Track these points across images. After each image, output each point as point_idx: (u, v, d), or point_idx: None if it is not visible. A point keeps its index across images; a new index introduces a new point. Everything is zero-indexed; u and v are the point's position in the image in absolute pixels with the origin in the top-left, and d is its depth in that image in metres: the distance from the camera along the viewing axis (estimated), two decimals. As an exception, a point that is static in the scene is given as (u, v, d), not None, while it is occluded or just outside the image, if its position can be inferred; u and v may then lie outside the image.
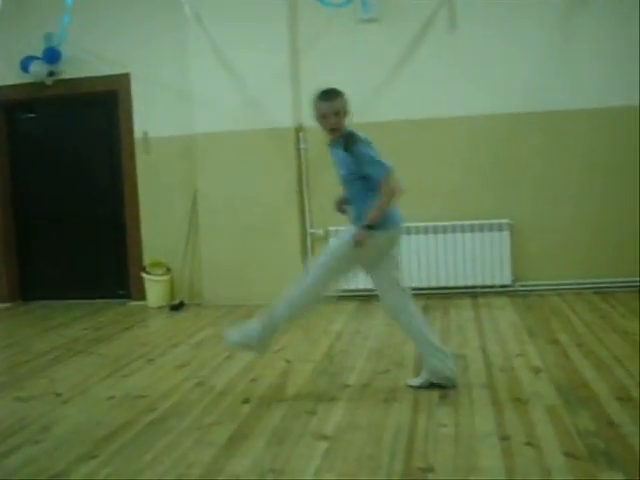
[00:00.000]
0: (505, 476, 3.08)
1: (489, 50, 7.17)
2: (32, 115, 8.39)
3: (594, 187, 7.14)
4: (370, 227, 4.18)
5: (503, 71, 7.15)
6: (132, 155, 7.93)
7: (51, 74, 7.85)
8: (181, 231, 7.81)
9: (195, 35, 7.37)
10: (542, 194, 7.22)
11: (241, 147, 7.41)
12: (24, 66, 7.76)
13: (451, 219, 7.25)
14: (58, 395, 4.70)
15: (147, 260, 7.94)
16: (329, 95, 4.35)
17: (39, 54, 7.77)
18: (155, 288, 7.79)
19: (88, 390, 4.80)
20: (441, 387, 4.33)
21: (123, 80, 7.85)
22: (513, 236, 7.19)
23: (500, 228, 7.16)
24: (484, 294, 7.20)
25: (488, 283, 7.24)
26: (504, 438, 3.49)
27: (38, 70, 7.73)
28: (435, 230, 7.24)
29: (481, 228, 7.19)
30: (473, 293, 7.24)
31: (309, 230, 7.52)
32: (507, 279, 7.21)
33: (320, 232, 7.46)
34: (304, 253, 7.48)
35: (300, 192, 7.43)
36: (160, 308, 7.68)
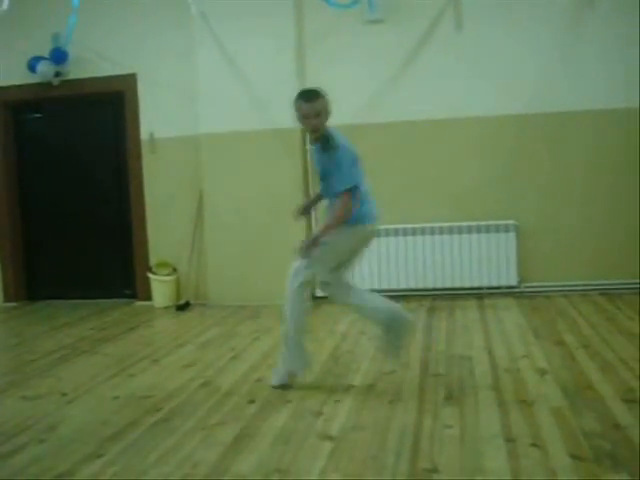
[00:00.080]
0: (510, 477, 3.07)
1: (495, 51, 7.16)
2: (39, 115, 8.41)
3: (600, 188, 7.13)
4: (316, 240, 4.32)
5: (509, 72, 7.15)
6: (138, 155, 7.94)
7: (58, 74, 7.87)
8: (187, 231, 7.82)
9: (201, 35, 7.39)
10: (548, 195, 7.21)
11: (247, 147, 7.42)
12: (31, 66, 7.78)
13: (457, 220, 7.25)
14: (64, 394, 4.71)
15: (153, 260, 7.95)
16: (310, 96, 4.40)
17: (46, 54, 7.79)
18: (161, 288, 7.80)
19: (94, 390, 4.81)
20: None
21: (129, 80, 7.86)
22: (519, 237, 7.19)
23: (506, 229, 7.16)
24: (490, 295, 7.19)
25: (494, 284, 7.23)
26: (509, 439, 3.49)
27: (45, 70, 7.75)
28: (441, 231, 7.24)
29: (487, 229, 7.18)
30: (479, 294, 7.24)
31: (315, 230, 7.52)
32: (513, 280, 7.20)
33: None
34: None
35: (306, 192, 7.43)
36: (166, 308, 7.69)
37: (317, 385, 4.59)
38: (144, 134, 7.90)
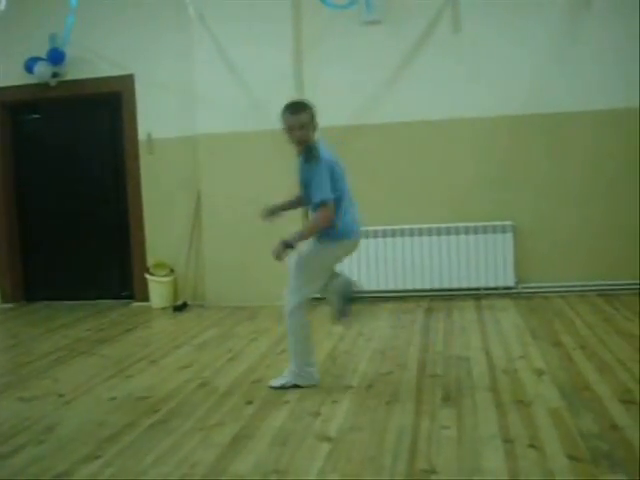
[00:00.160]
0: (508, 478, 3.07)
1: (492, 52, 7.17)
2: (36, 116, 8.41)
3: (598, 189, 7.14)
4: (291, 245, 4.34)
5: (507, 73, 7.16)
6: (136, 156, 7.94)
7: (55, 75, 7.87)
8: (184, 232, 7.82)
9: (199, 36, 7.39)
10: (545, 196, 7.22)
11: (245, 148, 7.42)
12: (28, 67, 7.78)
13: (454, 221, 7.25)
14: (61, 396, 4.71)
15: (150, 261, 7.95)
16: (296, 109, 4.41)
17: (43, 55, 7.79)
18: (158, 289, 7.80)
19: (91, 391, 4.81)
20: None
21: (127, 81, 7.86)
22: (516, 238, 7.20)
23: (503, 230, 7.17)
24: (487, 296, 7.20)
25: (491, 285, 7.24)
26: (507, 440, 3.49)
27: (42, 71, 7.75)
28: (438, 232, 7.25)
29: (484, 230, 7.19)
30: (476, 295, 7.24)
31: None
32: (510, 281, 7.21)
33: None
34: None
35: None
36: (163, 309, 7.69)
37: (315, 386, 4.59)
38: (142, 135, 7.90)
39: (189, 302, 7.76)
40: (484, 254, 7.20)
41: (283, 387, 4.55)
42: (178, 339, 6.24)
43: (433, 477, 3.14)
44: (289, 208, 4.88)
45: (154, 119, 7.84)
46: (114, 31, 7.80)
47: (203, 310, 7.50)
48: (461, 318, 6.43)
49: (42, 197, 8.43)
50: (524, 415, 3.84)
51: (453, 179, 7.32)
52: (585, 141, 7.13)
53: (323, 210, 4.33)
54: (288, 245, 4.33)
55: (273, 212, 4.82)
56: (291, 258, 4.56)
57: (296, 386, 4.55)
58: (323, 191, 4.32)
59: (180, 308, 7.57)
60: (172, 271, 7.88)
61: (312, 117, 4.42)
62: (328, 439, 3.66)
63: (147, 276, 7.83)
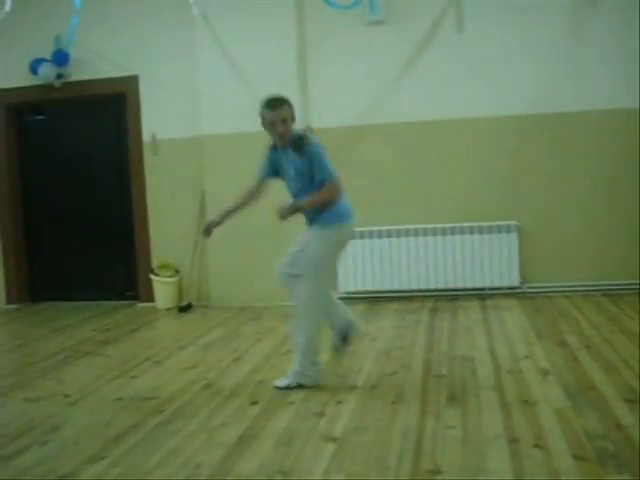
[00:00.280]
0: (513, 478, 3.07)
1: (497, 52, 7.16)
2: (41, 117, 8.42)
3: (602, 189, 7.12)
4: (299, 208, 4.43)
5: (511, 73, 7.15)
6: (140, 157, 7.95)
7: (60, 76, 7.88)
8: (189, 233, 7.82)
9: (203, 37, 7.39)
10: (550, 196, 7.21)
11: (249, 148, 7.38)
12: (33, 68, 7.79)
13: (459, 221, 7.25)
14: (66, 396, 4.72)
15: (155, 262, 7.95)
16: (275, 104, 4.48)
17: (48, 56, 7.80)
18: (163, 290, 7.80)
19: (96, 391, 4.81)
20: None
21: (131, 82, 7.87)
22: (521, 238, 7.19)
23: (508, 230, 7.16)
24: (492, 296, 7.19)
25: (496, 285, 7.23)
26: (512, 440, 3.49)
27: (47, 72, 7.76)
28: (443, 232, 7.24)
29: (489, 230, 7.18)
30: (481, 295, 7.23)
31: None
32: (515, 281, 7.20)
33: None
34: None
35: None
36: (168, 310, 7.69)
37: (320, 386, 4.59)
38: (146, 135, 7.91)
39: (194, 303, 7.76)
40: (489, 254, 7.19)
41: (288, 387, 4.55)
42: (183, 340, 6.24)
43: (438, 477, 3.14)
44: (239, 209, 4.96)
45: (158, 120, 7.84)
46: (118, 32, 7.81)
47: (208, 311, 7.50)
48: (466, 318, 6.42)
49: (47, 198, 8.44)
50: (529, 415, 3.84)
51: (457, 179, 7.31)
52: (590, 141, 7.12)
53: (331, 185, 4.37)
54: (295, 208, 4.38)
55: (218, 224, 4.97)
56: (295, 256, 4.56)
57: (300, 386, 4.55)
58: (329, 169, 4.39)
59: (185, 309, 7.57)
60: (177, 272, 7.88)
61: (292, 110, 4.49)
62: (333, 439, 3.66)
63: (152, 277, 7.84)
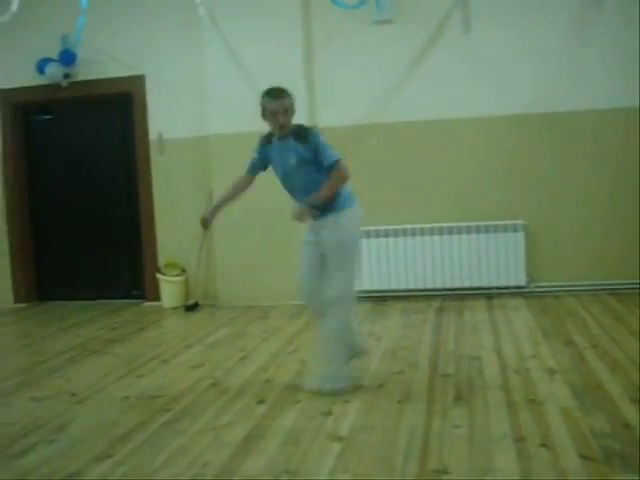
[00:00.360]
0: (520, 478, 3.07)
1: (502, 52, 7.14)
2: (48, 117, 8.43)
3: (609, 187, 7.11)
4: (315, 204, 4.36)
5: (517, 73, 7.13)
6: (147, 156, 7.96)
7: (67, 76, 7.89)
8: (196, 232, 7.81)
9: (209, 36, 7.39)
10: (557, 195, 7.20)
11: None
12: (40, 68, 7.80)
13: (466, 220, 7.24)
14: (73, 395, 4.73)
15: (162, 261, 7.96)
16: (278, 94, 4.47)
17: (55, 56, 7.81)
18: (170, 289, 7.81)
19: (103, 390, 4.83)
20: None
21: (138, 82, 7.88)
22: (528, 237, 7.17)
23: (515, 229, 7.15)
24: (499, 295, 7.18)
25: (503, 284, 7.22)
26: (519, 440, 3.49)
27: (54, 72, 7.77)
28: (450, 231, 7.23)
29: (496, 229, 7.17)
30: (488, 294, 7.22)
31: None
32: (522, 280, 7.19)
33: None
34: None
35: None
36: (175, 309, 7.70)
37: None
38: (153, 135, 7.92)
39: (200, 302, 7.77)
40: (495, 253, 7.18)
41: (320, 391, 4.42)
42: (189, 339, 6.25)
43: (445, 477, 3.14)
44: (230, 201, 4.97)
45: (165, 119, 7.85)
46: (124, 32, 7.82)
47: (214, 310, 7.51)
48: (472, 317, 6.41)
49: (54, 197, 8.46)
50: (536, 414, 3.83)
51: (464, 178, 7.30)
52: (596, 140, 7.10)
53: (338, 169, 4.36)
54: (312, 205, 4.35)
55: (214, 213, 4.92)
56: (314, 253, 4.53)
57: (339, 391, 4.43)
58: (333, 152, 4.39)
59: (191, 308, 7.58)
60: (183, 271, 7.89)
61: (292, 101, 4.50)
62: (339, 439, 3.66)
63: (158, 276, 7.85)
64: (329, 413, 4.07)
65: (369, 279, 7.30)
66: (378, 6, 7.10)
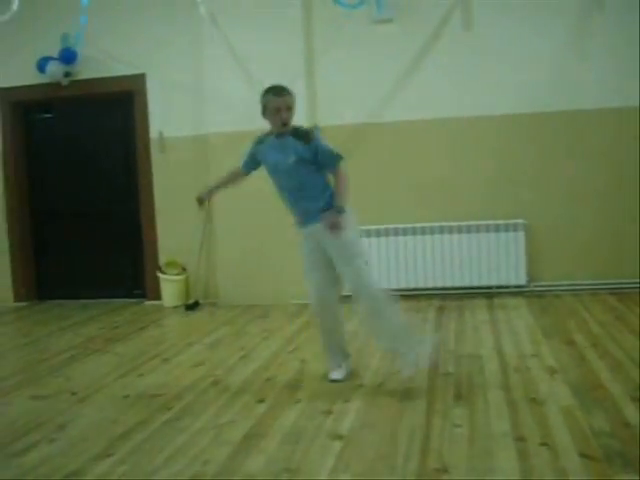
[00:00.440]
0: (520, 477, 3.07)
1: (504, 49, 7.13)
2: (48, 115, 8.43)
3: (610, 187, 7.10)
4: (340, 210, 4.36)
5: (519, 71, 7.12)
6: (148, 155, 7.96)
7: (67, 75, 7.89)
8: (196, 231, 7.82)
9: (210, 35, 7.39)
10: (557, 194, 7.19)
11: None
12: (40, 67, 7.80)
13: (466, 219, 7.23)
14: (74, 394, 4.73)
15: (162, 260, 7.96)
16: (282, 91, 4.48)
17: (55, 55, 7.81)
18: (170, 288, 7.81)
19: (104, 389, 4.83)
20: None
21: (138, 80, 7.88)
22: (528, 236, 7.17)
23: (515, 228, 7.14)
24: (499, 294, 7.18)
25: (503, 284, 7.22)
26: (519, 439, 3.49)
27: (54, 70, 7.77)
28: (450, 230, 7.23)
29: (496, 228, 7.17)
30: (488, 294, 7.22)
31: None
32: (522, 279, 7.18)
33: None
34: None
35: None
36: (175, 308, 7.70)
37: (326, 384, 4.60)
38: (153, 133, 7.91)
39: (201, 301, 7.77)
40: (496, 252, 7.17)
41: (405, 367, 4.43)
42: (190, 337, 6.25)
43: (445, 476, 3.14)
44: (225, 186, 5.13)
45: (166, 118, 7.85)
46: (125, 30, 7.81)
47: (215, 309, 7.51)
48: (473, 317, 6.41)
49: (54, 196, 8.45)
50: (536, 413, 3.83)
51: (464, 177, 7.30)
52: (598, 139, 7.09)
53: (341, 168, 4.41)
54: (340, 211, 4.34)
55: (210, 194, 5.14)
56: (319, 261, 4.55)
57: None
58: (334, 153, 4.42)
59: (192, 307, 7.58)
60: (184, 270, 7.89)
61: (294, 100, 4.49)
62: (340, 437, 3.66)
63: (159, 275, 7.85)
64: (329, 412, 4.07)
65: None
66: (378, 5, 7.10)
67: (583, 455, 3.24)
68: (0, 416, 4.41)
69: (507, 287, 7.22)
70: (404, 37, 7.28)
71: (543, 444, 3.40)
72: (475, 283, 7.25)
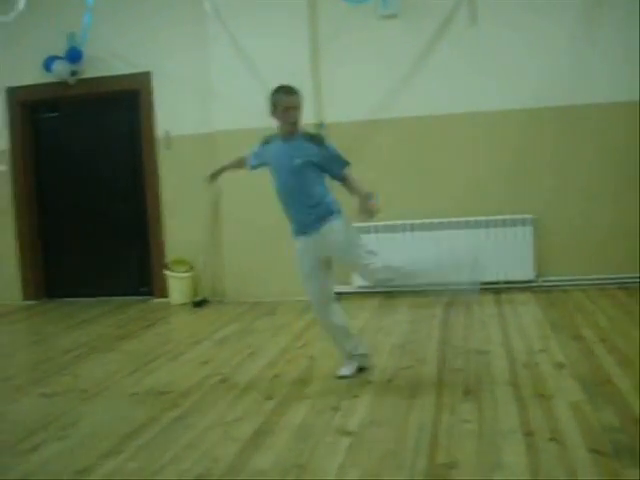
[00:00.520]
0: (529, 472, 3.07)
1: (509, 46, 7.11)
2: (55, 114, 8.44)
3: (618, 181, 7.07)
4: (369, 196, 4.44)
5: (524, 66, 7.10)
6: (154, 153, 7.96)
7: (73, 73, 7.90)
8: (203, 228, 7.83)
9: (215, 33, 7.38)
10: (565, 189, 7.17)
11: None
12: (47, 66, 7.81)
13: (474, 214, 7.22)
14: (82, 391, 4.74)
15: (170, 257, 7.97)
16: (292, 90, 4.51)
17: (62, 54, 7.82)
18: (178, 285, 7.82)
19: (112, 387, 4.84)
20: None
21: (144, 79, 7.88)
22: (536, 231, 7.15)
23: (523, 223, 7.12)
24: (507, 290, 7.16)
25: (511, 279, 7.20)
26: (528, 434, 3.48)
27: (61, 69, 7.78)
28: (458, 225, 7.21)
29: (504, 223, 7.15)
30: (496, 289, 7.20)
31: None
32: (530, 275, 7.17)
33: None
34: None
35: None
36: (183, 305, 7.70)
37: (335, 381, 4.60)
38: (159, 132, 7.92)
39: (208, 298, 7.77)
40: (504, 247, 7.15)
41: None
42: (198, 335, 6.26)
43: (454, 471, 3.14)
44: (232, 169, 5.24)
45: (172, 116, 7.85)
46: (130, 29, 7.81)
47: (222, 306, 7.51)
48: (481, 312, 6.40)
49: (62, 195, 8.47)
50: (545, 409, 3.83)
51: (472, 173, 7.28)
52: (605, 134, 7.06)
53: (348, 172, 4.49)
54: (369, 197, 4.41)
55: (218, 174, 5.27)
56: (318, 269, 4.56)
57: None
58: (344, 156, 4.50)
59: (199, 304, 7.59)
60: (191, 267, 7.89)
61: (302, 100, 4.52)
62: (348, 434, 3.66)
63: (166, 272, 7.86)
64: (338, 408, 4.07)
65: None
66: (384, 1, 7.09)
67: (592, 450, 3.23)
68: (9, 414, 4.43)
69: (515, 282, 7.20)
70: (410, 32, 7.27)
71: (552, 439, 3.39)
72: (483, 278, 7.22)
